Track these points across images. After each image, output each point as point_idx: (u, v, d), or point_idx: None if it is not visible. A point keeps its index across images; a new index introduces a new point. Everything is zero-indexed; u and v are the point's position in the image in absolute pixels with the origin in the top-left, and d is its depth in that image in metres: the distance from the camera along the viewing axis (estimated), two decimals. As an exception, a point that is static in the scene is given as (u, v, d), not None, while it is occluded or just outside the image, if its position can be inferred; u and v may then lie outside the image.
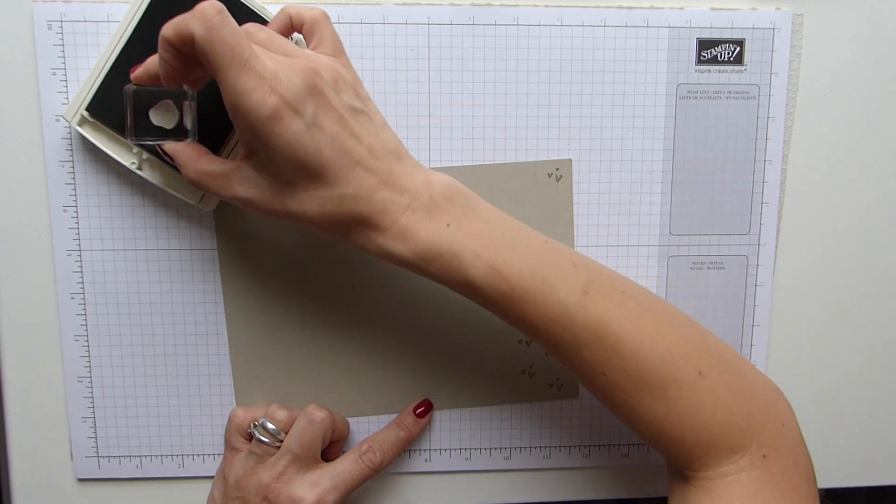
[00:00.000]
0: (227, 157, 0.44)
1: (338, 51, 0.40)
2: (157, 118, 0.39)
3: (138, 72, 0.40)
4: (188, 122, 0.39)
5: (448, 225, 0.38)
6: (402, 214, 0.38)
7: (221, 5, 0.35)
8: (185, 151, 0.40)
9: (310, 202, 0.37)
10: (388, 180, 0.38)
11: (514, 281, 0.38)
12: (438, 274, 0.39)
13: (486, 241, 0.39)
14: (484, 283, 0.38)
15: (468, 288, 0.39)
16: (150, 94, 0.39)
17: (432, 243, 0.38)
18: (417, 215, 0.38)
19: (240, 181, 0.38)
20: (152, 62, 0.39)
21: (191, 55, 0.36)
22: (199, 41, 0.34)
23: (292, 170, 0.36)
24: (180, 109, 0.39)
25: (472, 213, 0.39)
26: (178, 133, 0.39)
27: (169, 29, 0.35)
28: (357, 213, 0.37)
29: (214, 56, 0.34)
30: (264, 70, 0.35)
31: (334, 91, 0.37)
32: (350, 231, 0.38)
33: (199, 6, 0.34)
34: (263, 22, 0.43)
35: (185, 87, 0.39)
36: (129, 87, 0.39)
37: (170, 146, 0.40)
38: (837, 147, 0.50)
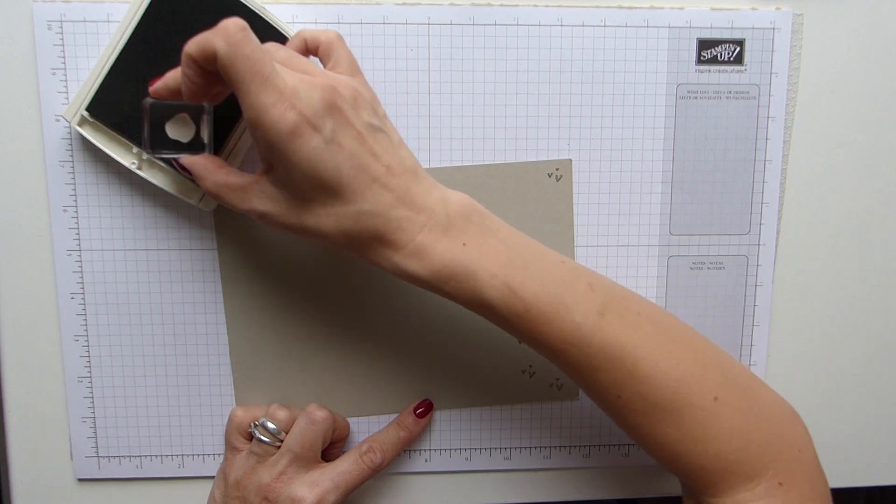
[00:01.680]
0: (226, 159, 0.44)
1: (354, 70, 0.41)
2: (173, 131, 0.41)
3: (157, 85, 0.40)
4: (205, 136, 0.40)
5: (464, 244, 0.38)
6: (419, 233, 0.38)
7: (244, 23, 0.35)
8: (202, 163, 0.40)
9: (326, 218, 0.38)
10: (405, 198, 0.38)
11: (529, 301, 0.38)
12: (454, 293, 0.39)
13: (502, 261, 0.39)
14: (499, 303, 0.38)
15: (483, 307, 0.39)
16: (167, 108, 0.40)
17: (448, 262, 0.38)
18: (434, 234, 0.38)
19: (258, 195, 0.39)
20: (173, 77, 0.39)
21: (213, 71, 0.36)
22: (221, 57, 0.35)
23: (310, 185, 0.37)
24: (197, 123, 0.40)
25: (489, 232, 0.39)
26: (195, 146, 0.41)
27: (192, 45, 0.36)
28: (373, 230, 0.38)
29: (236, 72, 0.35)
30: (284, 86, 0.35)
31: (353, 109, 0.38)
32: (365, 248, 0.39)
33: (223, 23, 0.35)
34: (268, 27, 0.43)
35: (203, 102, 0.40)
36: (147, 101, 0.40)
37: (187, 159, 0.41)
38: (837, 147, 0.50)
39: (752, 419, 0.40)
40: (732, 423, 0.39)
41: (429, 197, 0.39)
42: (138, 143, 0.44)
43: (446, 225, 0.38)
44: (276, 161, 0.37)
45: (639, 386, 0.39)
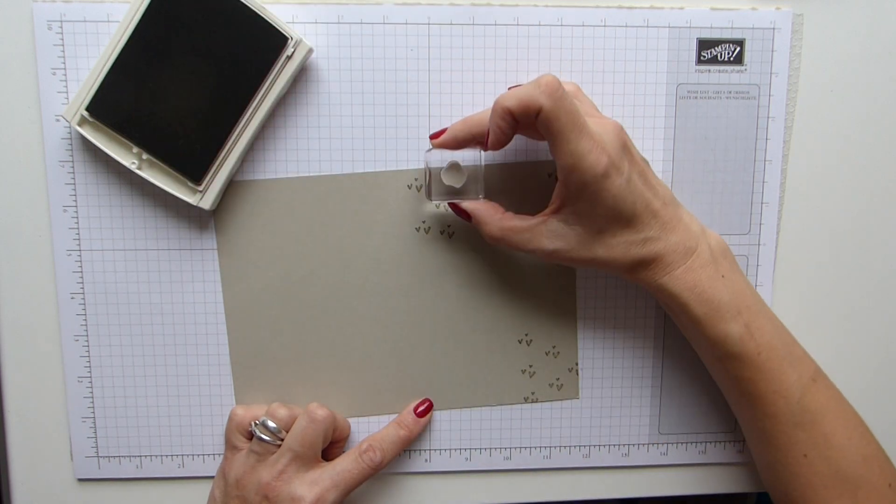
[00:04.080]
0: (227, 153, 0.44)
1: (597, 111, 0.45)
2: (447, 178, 0.45)
3: (445, 138, 0.44)
4: (480, 182, 0.45)
5: (723, 277, 0.43)
6: (689, 258, 0.42)
7: (557, 78, 0.39)
8: (485, 210, 0.44)
9: (617, 247, 0.42)
10: (677, 226, 0.42)
11: (762, 346, 0.42)
12: (699, 318, 0.42)
13: (748, 302, 0.43)
14: (736, 340, 0.42)
15: (716, 340, 0.43)
16: (445, 157, 0.45)
17: (707, 289, 0.42)
18: (701, 261, 0.42)
19: (546, 234, 0.43)
20: (461, 129, 0.43)
21: (522, 122, 0.40)
22: (545, 113, 0.38)
23: (607, 220, 0.41)
24: (466, 169, 0.45)
25: (738, 273, 0.44)
26: (469, 192, 0.46)
27: (511, 100, 0.39)
28: (655, 253, 0.42)
29: (559, 125, 0.38)
30: (594, 133, 0.39)
31: (633, 147, 0.42)
32: (640, 269, 0.43)
33: (544, 80, 0.38)
34: (268, 26, 0.43)
35: (478, 149, 0.45)
36: (432, 153, 0.45)
37: (470, 205, 0.45)
38: (837, 147, 0.50)
39: None
40: None
41: (692, 226, 0.43)
42: (138, 143, 0.44)
43: (711, 256, 0.43)
44: (584, 199, 0.41)
45: (829, 451, 0.42)
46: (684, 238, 0.42)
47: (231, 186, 0.47)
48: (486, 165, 0.47)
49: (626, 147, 0.41)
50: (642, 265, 0.43)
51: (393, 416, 0.50)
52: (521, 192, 0.48)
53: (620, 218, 0.41)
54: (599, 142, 0.39)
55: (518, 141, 0.47)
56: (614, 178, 0.40)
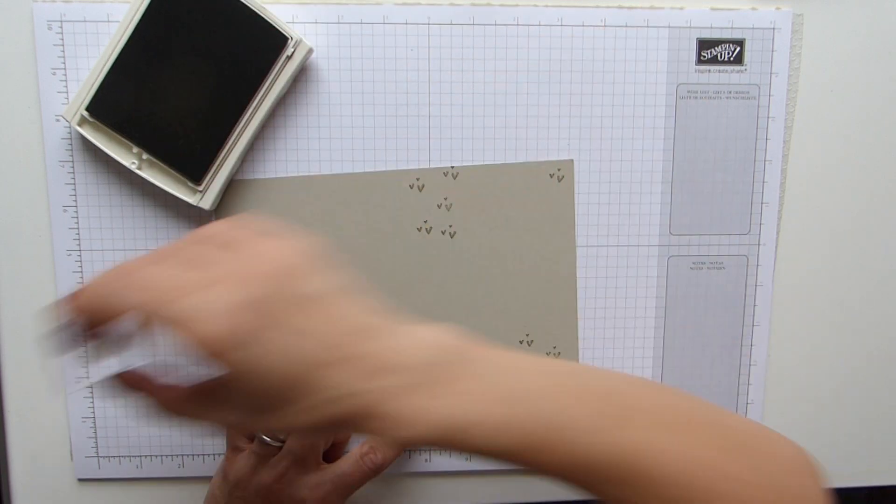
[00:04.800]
0: (227, 153, 0.44)
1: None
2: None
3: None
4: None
5: (452, 395, 0.32)
6: (400, 398, 0.31)
7: None
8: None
9: (288, 419, 0.31)
10: (365, 367, 0.31)
11: (528, 433, 0.32)
12: (463, 449, 0.32)
13: (497, 396, 0.32)
14: (505, 450, 0.32)
15: (495, 457, 0.32)
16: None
17: (442, 420, 0.31)
18: (417, 394, 0.31)
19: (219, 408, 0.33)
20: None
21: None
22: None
23: (261, 393, 0.31)
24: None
25: (472, 373, 0.32)
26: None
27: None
28: (343, 414, 0.31)
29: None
30: None
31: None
32: (356, 429, 0.32)
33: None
34: (268, 26, 0.43)
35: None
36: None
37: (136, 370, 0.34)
38: (837, 147, 0.50)
39: (763, 480, 0.35)
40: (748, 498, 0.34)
41: (394, 352, 0.32)
42: (138, 143, 0.44)
43: (426, 379, 0.32)
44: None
45: (658, 489, 0.32)
46: (382, 379, 0.31)
47: (231, 186, 0.47)
48: (482, 165, 0.47)
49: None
50: (346, 426, 0.32)
51: (393, 416, 0.50)
52: (522, 193, 0.48)
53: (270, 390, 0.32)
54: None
55: (518, 141, 0.48)
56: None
